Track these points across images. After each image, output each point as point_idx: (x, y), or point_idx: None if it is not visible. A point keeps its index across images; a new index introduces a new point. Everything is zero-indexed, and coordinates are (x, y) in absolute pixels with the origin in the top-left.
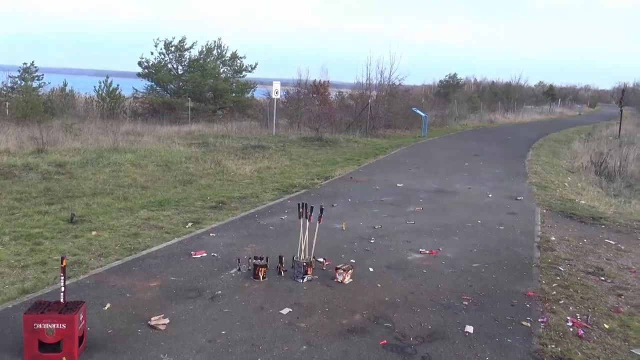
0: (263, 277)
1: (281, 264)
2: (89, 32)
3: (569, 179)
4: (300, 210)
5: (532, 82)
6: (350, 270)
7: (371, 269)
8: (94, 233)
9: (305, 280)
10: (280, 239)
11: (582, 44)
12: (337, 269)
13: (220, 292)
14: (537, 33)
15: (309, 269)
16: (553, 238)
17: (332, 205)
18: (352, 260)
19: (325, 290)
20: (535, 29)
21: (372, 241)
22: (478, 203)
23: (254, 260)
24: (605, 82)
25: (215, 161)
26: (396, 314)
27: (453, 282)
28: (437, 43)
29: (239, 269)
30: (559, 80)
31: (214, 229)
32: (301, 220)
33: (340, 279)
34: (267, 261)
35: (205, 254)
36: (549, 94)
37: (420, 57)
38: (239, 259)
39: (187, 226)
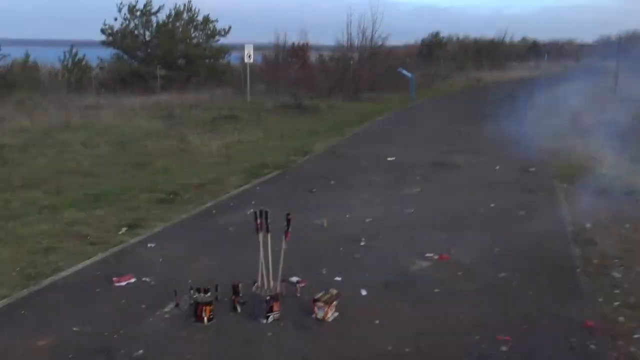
0: (209, 319)
1: (236, 296)
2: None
3: (579, 142)
4: (258, 222)
5: (516, 38)
6: (334, 302)
7: (364, 292)
8: None
9: (269, 320)
10: (242, 249)
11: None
12: (315, 300)
13: (141, 351)
14: None
15: (274, 303)
16: (588, 225)
17: (311, 191)
18: (337, 278)
19: (299, 338)
20: None
21: (362, 243)
22: (486, 178)
23: (196, 295)
24: (588, 36)
25: (179, 137)
26: None
27: (478, 308)
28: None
29: (177, 305)
30: (543, 35)
31: (154, 236)
32: (260, 236)
33: (320, 315)
34: (216, 290)
35: (133, 280)
36: (533, 50)
37: (401, 17)
38: (175, 291)
39: (120, 232)
